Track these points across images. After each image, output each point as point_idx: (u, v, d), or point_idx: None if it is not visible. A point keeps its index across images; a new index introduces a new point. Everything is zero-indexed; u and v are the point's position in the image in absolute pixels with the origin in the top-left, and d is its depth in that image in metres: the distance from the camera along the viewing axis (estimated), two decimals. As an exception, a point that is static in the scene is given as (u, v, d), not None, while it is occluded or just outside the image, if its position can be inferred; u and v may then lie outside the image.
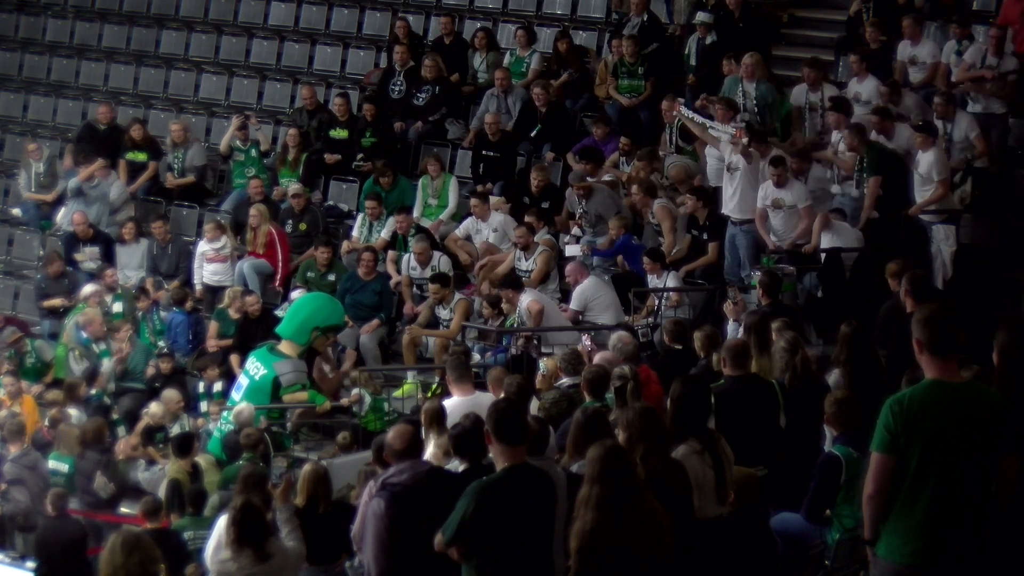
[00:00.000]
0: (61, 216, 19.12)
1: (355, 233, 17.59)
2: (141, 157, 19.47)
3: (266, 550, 8.58)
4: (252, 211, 17.44)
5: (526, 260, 15.97)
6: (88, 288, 17.13)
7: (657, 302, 15.08)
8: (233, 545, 8.57)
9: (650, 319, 14.73)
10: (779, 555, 9.23)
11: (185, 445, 13.31)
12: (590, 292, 15.06)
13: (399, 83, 19.06)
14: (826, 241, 14.55)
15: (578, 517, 6.78)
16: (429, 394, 14.81)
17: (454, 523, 7.17)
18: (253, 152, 18.94)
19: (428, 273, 16.39)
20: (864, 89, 15.98)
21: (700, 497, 7.79)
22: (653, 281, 15.15)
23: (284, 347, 14.76)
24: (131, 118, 20.10)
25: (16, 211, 20.19)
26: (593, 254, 15.99)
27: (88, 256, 18.21)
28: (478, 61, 18.82)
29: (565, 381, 11.74)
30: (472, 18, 20.20)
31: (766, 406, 9.90)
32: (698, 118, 15.80)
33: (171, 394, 15.21)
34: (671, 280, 15.00)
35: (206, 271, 17.57)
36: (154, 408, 14.90)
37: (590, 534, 6.71)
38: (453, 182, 17.70)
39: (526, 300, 14.88)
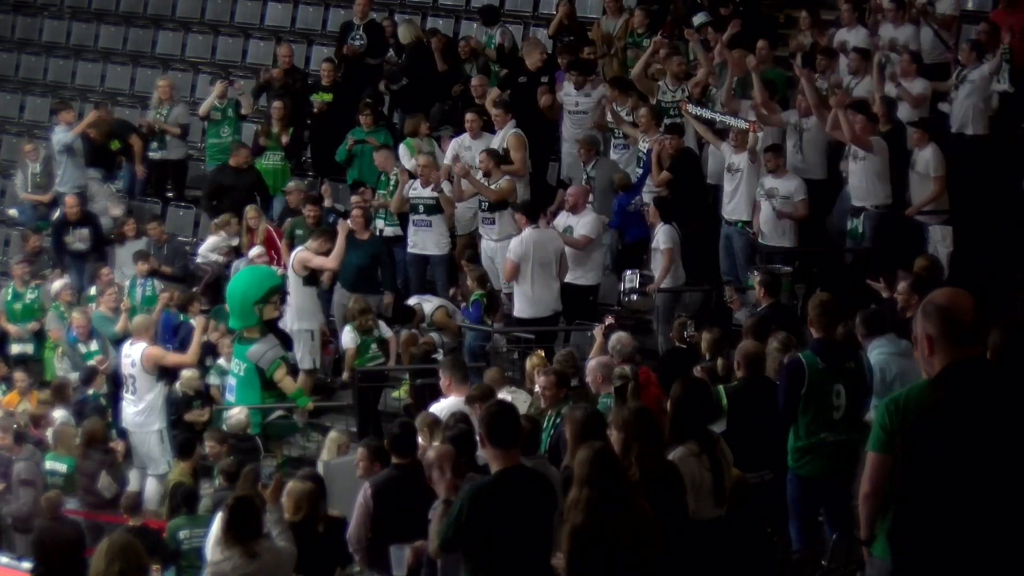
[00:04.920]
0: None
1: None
2: (115, 145, 19.44)
3: (258, 547, 8.55)
4: (249, 211, 17.30)
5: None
6: (57, 284, 17.06)
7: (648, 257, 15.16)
8: (226, 541, 8.55)
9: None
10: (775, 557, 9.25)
11: (187, 447, 13.26)
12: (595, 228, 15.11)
13: (359, 36, 18.97)
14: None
15: (568, 519, 6.77)
16: (402, 391, 14.81)
17: (447, 526, 7.18)
18: (230, 111, 18.84)
19: (429, 192, 16.04)
20: (853, 38, 16.05)
21: (698, 500, 7.77)
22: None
23: (247, 333, 14.84)
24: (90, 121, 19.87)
25: (12, 212, 20.20)
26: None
27: (77, 238, 18.21)
28: (469, 67, 18.76)
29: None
30: (469, 19, 20.18)
31: (776, 410, 9.86)
32: (707, 113, 15.67)
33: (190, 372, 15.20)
34: (661, 233, 14.83)
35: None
36: (186, 375, 14.88)
37: (580, 536, 6.70)
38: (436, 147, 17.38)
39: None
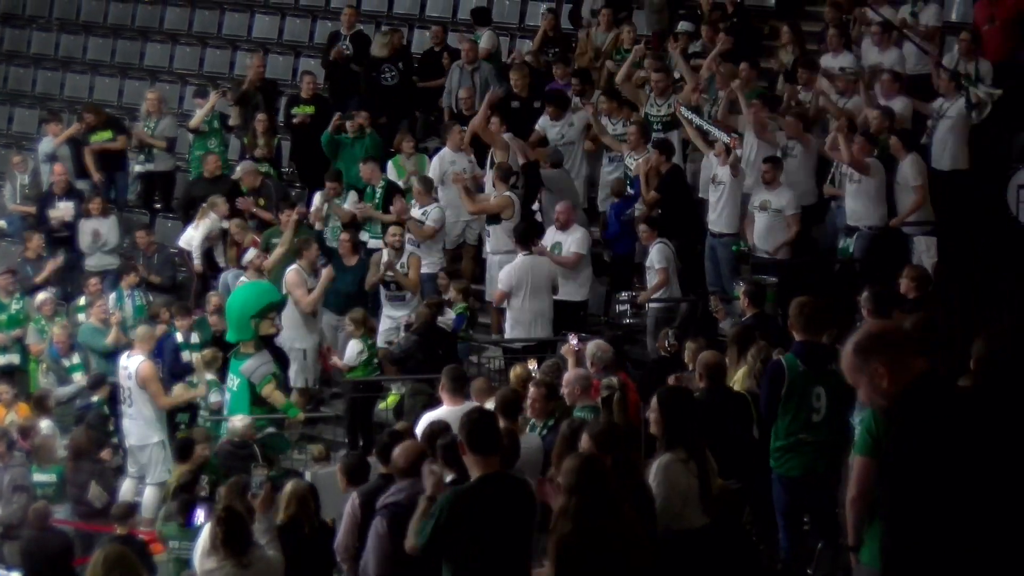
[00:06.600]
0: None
1: (316, 205, 17.22)
2: (106, 135, 19.46)
3: (248, 557, 8.59)
4: (233, 226, 17.15)
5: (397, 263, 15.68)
6: (41, 296, 17.01)
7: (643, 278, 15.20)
8: (217, 551, 8.58)
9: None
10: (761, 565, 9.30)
11: (185, 450, 13.25)
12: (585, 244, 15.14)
13: (346, 47, 19.06)
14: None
15: (555, 528, 6.81)
16: (390, 402, 14.80)
17: (428, 529, 7.22)
18: (216, 123, 18.89)
19: (421, 216, 16.02)
20: (839, 63, 16.13)
21: (685, 506, 7.84)
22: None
23: (243, 348, 14.89)
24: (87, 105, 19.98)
25: (1, 223, 20.19)
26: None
27: (63, 211, 18.27)
28: None
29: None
30: (455, 30, 20.25)
31: (739, 419, 9.93)
32: (697, 120, 15.73)
33: (180, 388, 15.19)
34: (654, 251, 14.92)
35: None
36: (177, 389, 14.88)
37: (568, 544, 6.74)
38: (428, 162, 17.32)
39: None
